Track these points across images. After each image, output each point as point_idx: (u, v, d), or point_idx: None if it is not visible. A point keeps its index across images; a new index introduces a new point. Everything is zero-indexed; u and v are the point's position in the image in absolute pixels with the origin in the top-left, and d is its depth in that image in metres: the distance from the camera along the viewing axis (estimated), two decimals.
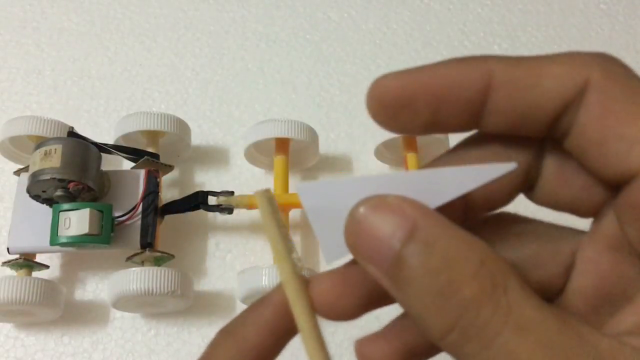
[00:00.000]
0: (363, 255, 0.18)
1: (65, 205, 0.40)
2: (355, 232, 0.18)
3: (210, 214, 0.47)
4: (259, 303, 0.20)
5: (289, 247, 0.19)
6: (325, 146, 0.50)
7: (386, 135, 0.46)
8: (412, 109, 0.18)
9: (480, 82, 0.18)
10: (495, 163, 0.18)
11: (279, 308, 0.19)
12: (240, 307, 0.44)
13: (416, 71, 0.18)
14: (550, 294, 0.20)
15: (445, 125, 0.19)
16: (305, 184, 0.19)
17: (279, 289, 0.20)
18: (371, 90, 0.19)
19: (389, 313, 0.47)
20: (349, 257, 0.18)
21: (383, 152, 0.48)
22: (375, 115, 0.19)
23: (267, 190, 0.19)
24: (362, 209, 0.17)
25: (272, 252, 0.19)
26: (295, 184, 0.47)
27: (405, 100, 0.18)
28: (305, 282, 0.19)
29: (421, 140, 0.46)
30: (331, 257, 0.19)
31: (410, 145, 0.46)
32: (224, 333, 0.20)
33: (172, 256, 0.43)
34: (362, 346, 0.21)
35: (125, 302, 0.41)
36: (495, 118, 0.18)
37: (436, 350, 0.21)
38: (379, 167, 0.50)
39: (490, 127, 0.19)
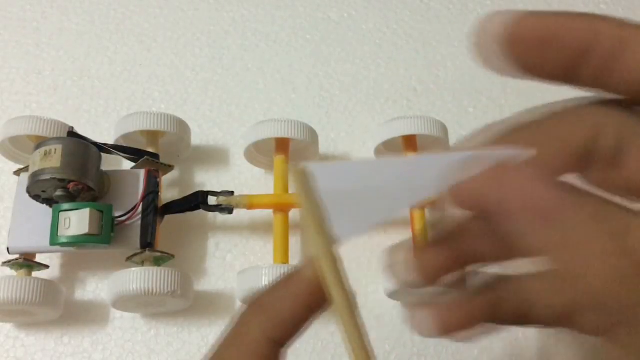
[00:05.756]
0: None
1: (65, 205, 0.40)
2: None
3: (210, 214, 0.47)
4: (292, 278, 0.21)
5: (323, 222, 0.19)
6: (325, 146, 0.50)
7: (386, 135, 0.46)
8: (550, 50, 0.18)
9: (617, 41, 0.18)
10: (511, 149, 0.18)
11: (312, 283, 0.20)
12: (241, 307, 0.44)
13: (558, 16, 0.18)
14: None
15: (573, 77, 0.19)
16: (317, 165, 0.19)
17: (310, 263, 0.20)
18: (510, 22, 0.18)
19: (389, 313, 0.47)
20: (361, 236, 0.19)
21: (383, 152, 0.48)
22: (509, 47, 0.19)
23: (304, 168, 0.19)
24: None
25: (307, 226, 0.20)
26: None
27: (546, 41, 0.18)
28: (338, 257, 0.19)
29: (421, 140, 0.46)
30: (345, 236, 0.19)
31: (410, 145, 0.46)
32: (255, 307, 0.21)
33: (172, 256, 0.43)
34: (416, 255, 0.21)
35: (125, 302, 0.41)
36: (621, 78, 0.18)
37: (489, 258, 0.21)
38: None
39: (614, 88, 0.19)
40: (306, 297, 0.20)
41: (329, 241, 0.19)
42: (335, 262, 0.19)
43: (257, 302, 0.21)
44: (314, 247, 0.20)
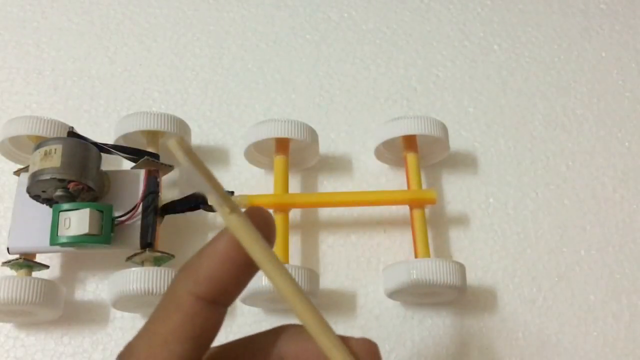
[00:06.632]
0: None
1: (65, 205, 0.40)
2: None
3: (210, 214, 0.47)
4: (215, 237, 0.21)
5: (220, 185, 0.20)
6: (325, 146, 0.50)
7: (386, 135, 0.46)
8: None
9: None
10: None
11: (232, 240, 0.21)
12: (240, 307, 0.44)
13: None
14: None
15: None
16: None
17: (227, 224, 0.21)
18: None
19: (389, 313, 0.47)
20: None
21: (383, 152, 0.48)
22: None
23: (181, 139, 0.20)
24: None
25: (209, 193, 0.20)
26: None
27: None
28: (245, 215, 0.21)
29: (421, 140, 0.46)
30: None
31: (411, 145, 0.46)
32: (182, 268, 0.22)
33: (172, 256, 0.43)
34: None
35: (125, 302, 0.41)
36: None
37: None
38: (379, 167, 0.50)
39: None
40: (227, 255, 0.21)
41: (232, 202, 0.20)
42: (243, 220, 0.20)
43: (184, 264, 0.22)
44: (218, 208, 0.20)
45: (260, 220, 0.21)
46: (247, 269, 0.21)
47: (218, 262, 0.21)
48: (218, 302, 0.21)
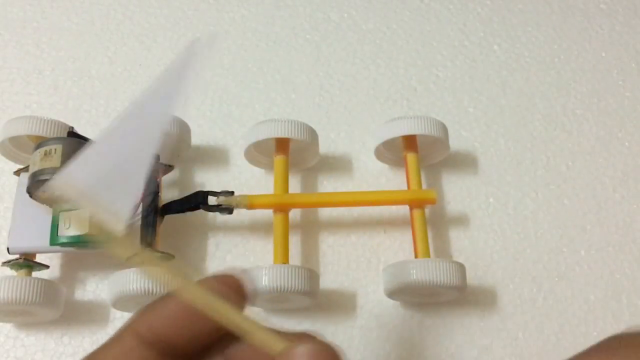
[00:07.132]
0: None
1: (66, 205, 0.40)
2: None
3: (210, 214, 0.47)
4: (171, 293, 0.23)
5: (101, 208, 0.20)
6: (325, 146, 0.50)
7: (386, 135, 0.46)
8: None
9: None
10: None
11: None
12: None
13: None
14: None
15: None
16: (68, 168, 0.19)
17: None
18: None
19: (389, 312, 0.47)
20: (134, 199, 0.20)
21: (383, 152, 0.48)
22: None
23: (55, 185, 0.19)
24: None
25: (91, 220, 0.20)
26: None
27: None
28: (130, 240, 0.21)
29: (421, 140, 0.46)
30: (125, 209, 0.20)
31: (411, 145, 0.46)
32: (148, 304, 0.23)
33: (172, 256, 0.43)
34: None
35: (125, 302, 0.41)
36: None
37: None
38: (379, 167, 0.50)
39: None
40: (177, 303, 0.22)
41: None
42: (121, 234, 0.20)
43: (150, 303, 0.23)
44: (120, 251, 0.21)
45: (229, 288, 0.22)
46: (192, 327, 0.22)
47: (167, 309, 0.22)
48: (156, 346, 0.22)
